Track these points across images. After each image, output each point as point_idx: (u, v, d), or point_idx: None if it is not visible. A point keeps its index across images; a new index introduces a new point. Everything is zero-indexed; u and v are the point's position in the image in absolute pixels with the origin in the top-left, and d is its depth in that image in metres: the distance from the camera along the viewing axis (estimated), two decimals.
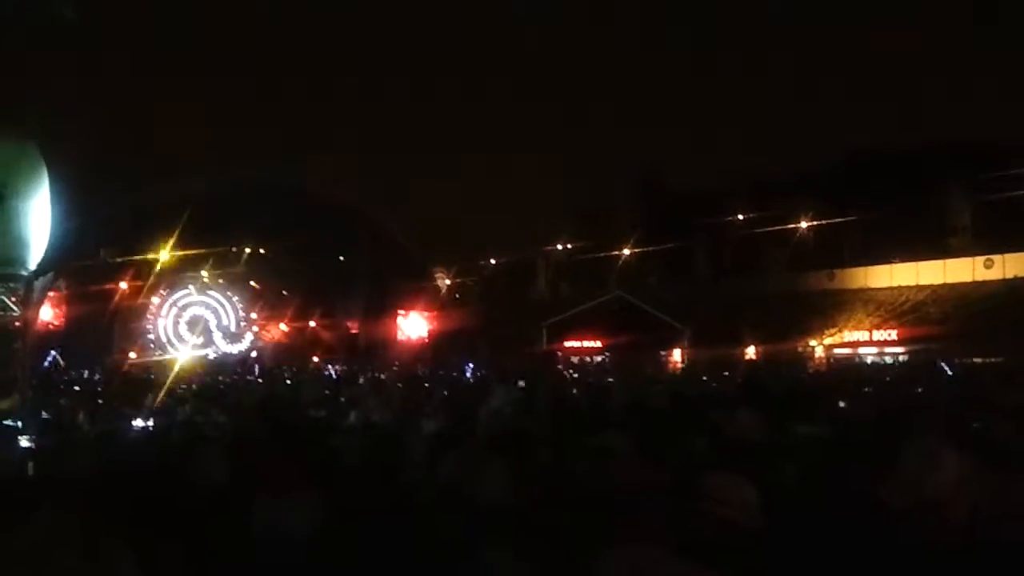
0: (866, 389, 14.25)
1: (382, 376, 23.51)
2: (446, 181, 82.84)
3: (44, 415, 11.41)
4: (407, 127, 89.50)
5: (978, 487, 3.30)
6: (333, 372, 26.76)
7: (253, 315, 48.96)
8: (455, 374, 25.44)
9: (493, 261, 54.36)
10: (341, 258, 50.91)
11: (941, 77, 74.97)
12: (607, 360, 38.05)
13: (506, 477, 3.54)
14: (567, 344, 41.22)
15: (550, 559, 3.12)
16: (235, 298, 48.03)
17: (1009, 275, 35.47)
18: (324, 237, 47.54)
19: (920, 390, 13.92)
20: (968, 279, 36.47)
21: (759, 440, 5.20)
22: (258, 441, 5.90)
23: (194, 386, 18.61)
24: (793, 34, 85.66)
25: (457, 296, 55.70)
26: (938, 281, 37.18)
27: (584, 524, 3.32)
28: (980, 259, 36.61)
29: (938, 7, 73.42)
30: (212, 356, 43.97)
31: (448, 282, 55.32)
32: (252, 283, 49.19)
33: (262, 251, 47.33)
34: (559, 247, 52.48)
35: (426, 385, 18.91)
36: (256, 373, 30.07)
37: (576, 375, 26.86)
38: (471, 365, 28.27)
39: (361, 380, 21.33)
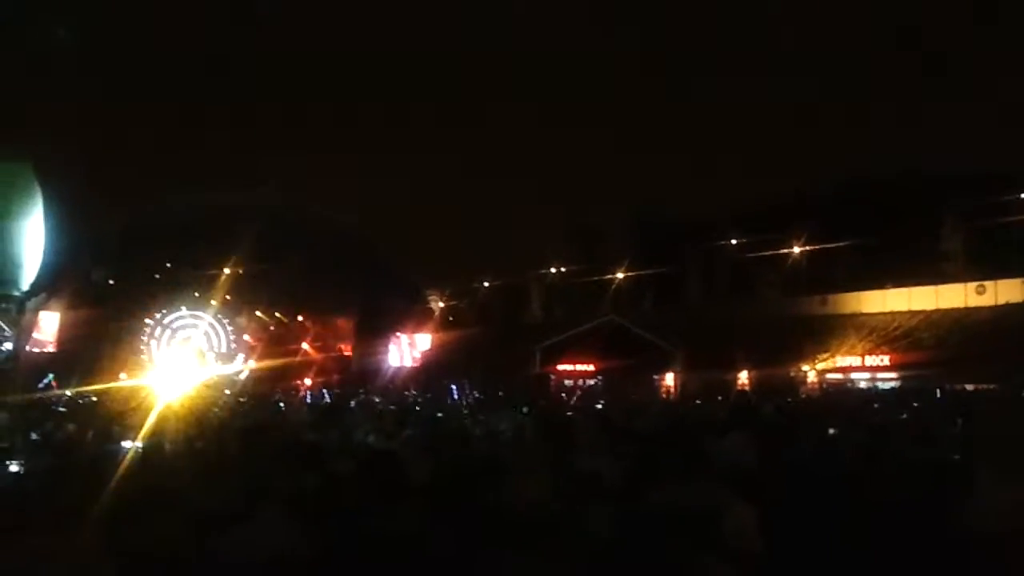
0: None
1: (376, 399, 23.47)
2: (441, 204, 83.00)
3: (33, 436, 11.36)
4: (401, 149, 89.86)
5: None
6: (327, 395, 26.65)
7: (245, 337, 48.91)
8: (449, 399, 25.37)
9: (487, 284, 54.42)
10: (335, 280, 50.84)
11: (937, 104, 75.38)
12: (600, 383, 38.05)
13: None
14: (560, 367, 41.24)
15: None
16: (226, 320, 48.00)
17: (1001, 301, 35.57)
18: (318, 259, 47.54)
19: (904, 416, 13.93)
20: (960, 305, 36.56)
21: (752, 465, 5.21)
22: (249, 464, 5.88)
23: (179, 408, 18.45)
24: (791, 59, 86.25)
25: (451, 319, 55.70)
26: (930, 307, 37.24)
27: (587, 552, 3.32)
28: (972, 285, 36.69)
29: (934, 34, 73.99)
30: (204, 377, 43.82)
31: (442, 305, 55.36)
32: (244, 304, 49.19)
33: (254, 273, 47.33)
34: (553, 270, 52.60)
35: (417, 408, 18.88)
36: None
37: (566, 398, 26.89)
38: (454, 387, 28.15)
39: (353, 404, 21.27)
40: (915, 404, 17.32)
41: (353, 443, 9.40)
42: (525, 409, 15.28)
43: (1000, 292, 35.87)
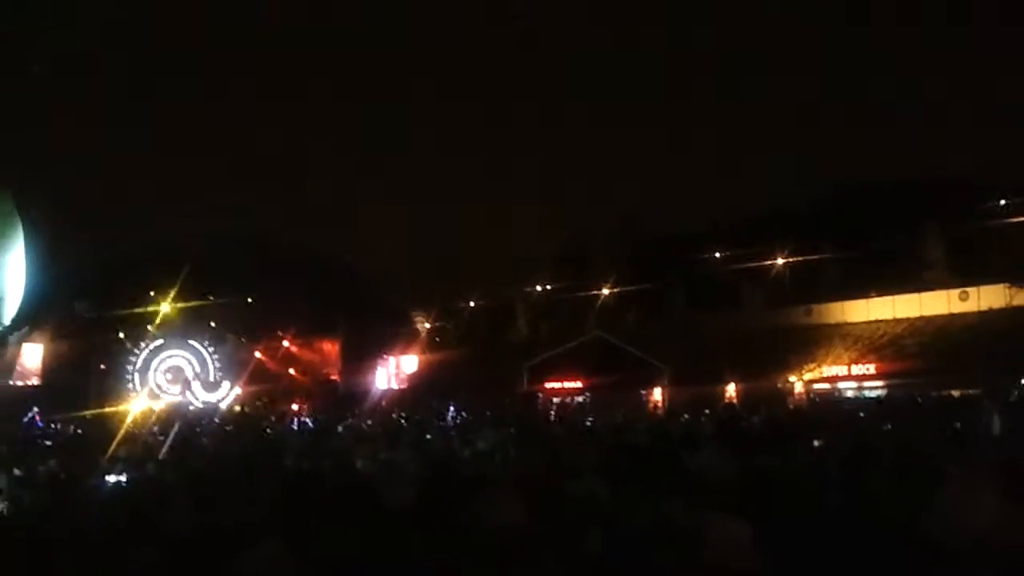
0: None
1: (365, 423, 23.33)
2: (425, 225, 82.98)
3: (16, 472, 11.25)
4: (382, 173, 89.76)
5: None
6: (308, 422, 26.38)
7: (231, 364, 48.65)
8: (439, 420, 25.22)
9: (472, 304, 54.37)
10: (320, 305, 50.76)
11: (915, 112, 75.96)
12: (588, 400, 38.00)
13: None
14: (548, 385, 41.19)
15: None
16: (211, 347, 47.76)
17: (984, 307, 35.75)
18: (301, 285, 47.48)
19: (889, 427, 13.95)
20: (944, 312, 36.72)
21: (738, 478, 5.20)
22: (240, 493, 5.85)
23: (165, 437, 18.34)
24: (766, 73, 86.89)
25: (437, 340, 55.57)
26: (914, 314, 37.38)
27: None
28: (955, 292, 36.88)
29: (910, 43, 74.53)
30: (191, 406, 43.57)
31: (428, 325, 55.24)
32: (229, 332, 49.00)
33: (238, 300, 47.19)
34: (538, 288, 52.59)
35: (403, 424, 18.83)
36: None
37: (556, 416, 26.82)
38: (452, 408, 28.13)
39: (340, 428, 21.15)
40: (900, 414, 17.38)
41: (341, 468, 9.35)
42: (513, 430, 15.23)
43: (983, 298, 36.06)
